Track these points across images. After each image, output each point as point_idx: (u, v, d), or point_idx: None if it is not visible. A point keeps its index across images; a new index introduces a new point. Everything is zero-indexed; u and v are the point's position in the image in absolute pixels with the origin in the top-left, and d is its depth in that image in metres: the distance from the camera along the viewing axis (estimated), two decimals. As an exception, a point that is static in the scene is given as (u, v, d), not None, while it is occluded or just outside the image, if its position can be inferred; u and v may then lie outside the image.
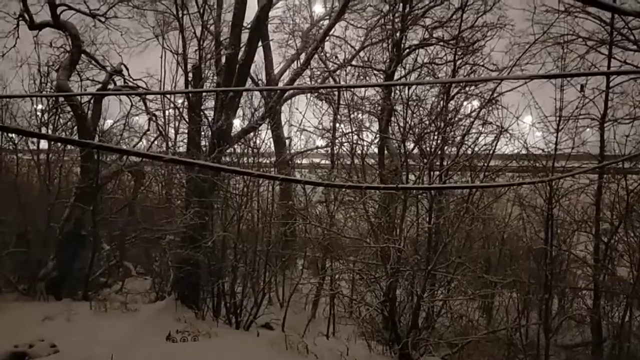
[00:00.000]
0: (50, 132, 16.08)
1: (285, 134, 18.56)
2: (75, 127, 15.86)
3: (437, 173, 12.75)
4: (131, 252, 17.10)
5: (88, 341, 10.95)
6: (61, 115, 16.96)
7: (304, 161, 17.81)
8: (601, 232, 12.67)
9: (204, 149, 14.48)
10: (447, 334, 11.70)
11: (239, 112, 15.17)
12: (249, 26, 14.78)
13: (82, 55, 16.36)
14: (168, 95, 16.99)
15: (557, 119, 12.56)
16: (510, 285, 12.45)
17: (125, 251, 16.74)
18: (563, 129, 12.63)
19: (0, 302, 13.59)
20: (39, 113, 17.15)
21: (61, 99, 16.31)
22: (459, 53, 15.24)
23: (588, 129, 13.44)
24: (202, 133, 14.90)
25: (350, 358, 10.74)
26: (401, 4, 15.84)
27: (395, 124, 14.15)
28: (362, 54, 17.14)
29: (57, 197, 15.70)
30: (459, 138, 13.24)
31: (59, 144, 16.51)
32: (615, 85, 13.32)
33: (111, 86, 16.67)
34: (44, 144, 16.74)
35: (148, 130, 17.47)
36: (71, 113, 16.14)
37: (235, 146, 14.75)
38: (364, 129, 15.00)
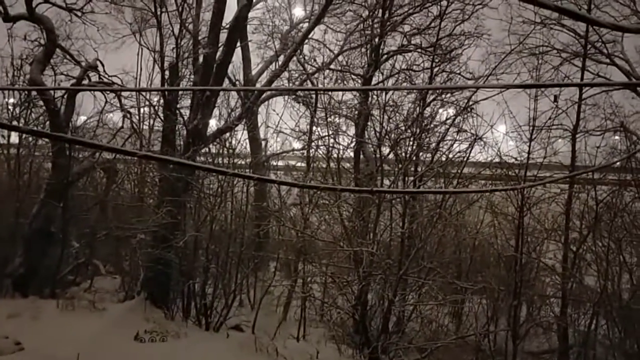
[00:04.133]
0: (21, 126, 15.75)
1: (262, 136, 18.50)
2: (48, 122, 15.59)
3: (411, 178, 12.85)
4: (101, 251, 16.84)
5: (54, 340, 10.75)
6: (33, 109, 16.64)
7: (280, 163, 17.77)
8: (570, 241, 12.88)
9: (178, 148, 14.35)
10: (417, 339, 11.78)
11: (215, 111, 15.08)
12: (228, 26, 14.72)
13: (57, 49, 16.08)
14: (143, 93, 16.78)
15: (530, 128, 12.77)
16: (480, 291, 12.58)
17: (95, 249, 16.47)
18: (536, 139, 12.84)
19: (-36, 298, 13.30)
20: (10, 107, 16.82)
21: (34, 93, 16.02)
22: (436, 60, 15.37)
23: (560, 139, 13.67)
24: (177, 132, 14.77)
25: (320, 361, 10.73)
26: (380, 10, 15.92)
27: (372, 129, 14.22)
28: (340, 58, 17.17)
29: (27, 192, 15.40)
30: (433, 144, 13.36)
31: (30, 139, 16.20)
32: (587, 97, 13.60)
33: (86, 82, 16.41)
34: (14, 138, 16.42)
35: (122, 127, 17.24)
36: (44, 108, 15.85)
37: (211, 146, 14.65)
38: (340, 133, 15.04)
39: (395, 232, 12.57)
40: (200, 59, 14.49)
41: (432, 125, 13.67)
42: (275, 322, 12.87)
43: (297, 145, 17.29)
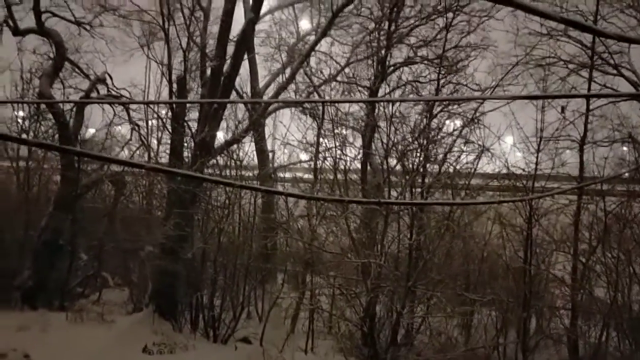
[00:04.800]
0: (30, 139, 15.87)
1: (269, 147, 18.54)
2: (57, 135, 15.69)
3: (418, 190, 12.83)
4: (109, 263, 16.87)
5: (63, 352, 10.78)
6: (42, 122, 16.78)
7: (287, 175, 17.79)
8: (579, 252, 12.80)
9: (186, 160, 14.41)
10: (425, 351, 11.70)
11: (223, 124, 15.15)
12: (235, 39, 14.81)
13: (66, 62, 16.24)
14: (151, 105, 16.90)
15: (538, 139, 12.76)
16: (489, 303, 12.50)
17: (103, 262, 16.51)
18: (543, 150, 12.83)
19: (-27, 311, 13.32)
20: (19, 120, 16.96)
21: (43, 106, 16.15)
22: (443, 72, 15.37)
23: (568, 151, 13.64)
24: (185, 144, 14.83)
25: (328, 374, 10.70)
26: (387, 22, 15.97)
27: (379, 140, 14.21)
28: (347, 70, 17.19)
29: (36, 205, 15.48)
30: (441, 156, 13.35)
31: (40, 152, 16.31)
32: (595, 108, 13.55)
33: (94, 95, 16.55)
34: (23, 151, 16.52)
35: (130, 140, 17.34)
36: (53, 120, 15.98)
37: (218, 158, 14.70)
38: (347, 144, 15.05)
39: (403, 244, 12.53)
40: (208, 71, 14.59)
41: (439, 137, 13.65)
42: (283, 334, 12.83)
43: (304, 157, 17.30)
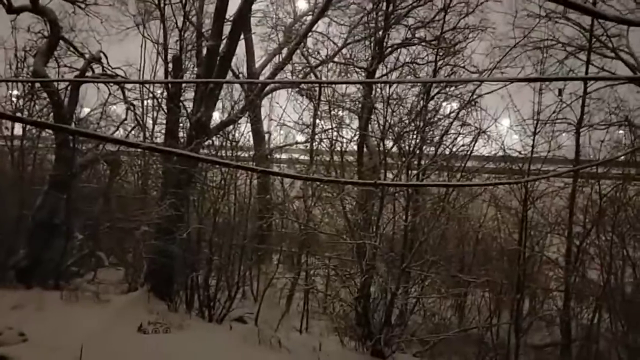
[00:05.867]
0: (25, 117, 15.75)
1: (265, 128, 18.50)
2: (51, 114, 15.59)
3: (414, 172, 12.83)
4: (104, 242, 16.88)
5: (58, 331, 10.77)
6: (37, 101, 16.65)
7: (283, 156, 17.77)
8: (574, 235, 12.87)
9: (181, 140, 14.36)
10: (419, 332, 11.80)
11: (219, 104, 15.06)
12: (232, 18, 14.68)
13: (60, 41, 16.07)
14: (147, 85, 16.77)
15: (535, 122, 12.75)
16: (483, 284, 12.59)
17: (99, 241, 16.51)
18: (540, 133, 12.83)
19: (-32, 289, 13.32)
20: (14, 99, 16.84)
21: (37, 84, 16.02)
22: (440, 54, 15.29)
23: (564, 133, 13.65)
24: (181, 124, 14.77)
25: (322, 353, 10.76)
26: (384, 3, 15.85)
27: (375, 122, 14.19)
28: (344, 51, 17.14)
29: (31, 184, 15.42)
30: (437, 138, 13.34)
31: (34, 130, 16.21)
32: (592, 91, 13.55)
33: (89, 74, 16.41)
34: (18, 130, 16.43)
35: (125, 119, 17.23)
36: (47, 99, 15.86)
37: (214, 138, 14.65)
38: (344, 126, 15.01)
39: (399, 225, 12.57)
40: (204, 51, 14.47)
41: (435, 119, 13.63)
42: (278, 314, 12.91)
43: (300, 138, 17.29)
